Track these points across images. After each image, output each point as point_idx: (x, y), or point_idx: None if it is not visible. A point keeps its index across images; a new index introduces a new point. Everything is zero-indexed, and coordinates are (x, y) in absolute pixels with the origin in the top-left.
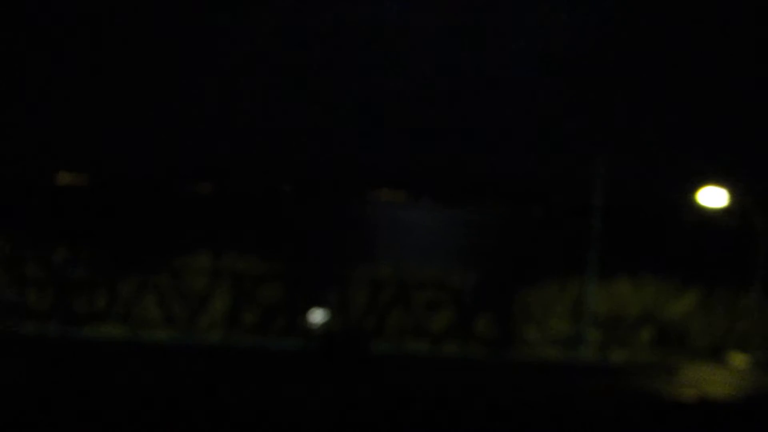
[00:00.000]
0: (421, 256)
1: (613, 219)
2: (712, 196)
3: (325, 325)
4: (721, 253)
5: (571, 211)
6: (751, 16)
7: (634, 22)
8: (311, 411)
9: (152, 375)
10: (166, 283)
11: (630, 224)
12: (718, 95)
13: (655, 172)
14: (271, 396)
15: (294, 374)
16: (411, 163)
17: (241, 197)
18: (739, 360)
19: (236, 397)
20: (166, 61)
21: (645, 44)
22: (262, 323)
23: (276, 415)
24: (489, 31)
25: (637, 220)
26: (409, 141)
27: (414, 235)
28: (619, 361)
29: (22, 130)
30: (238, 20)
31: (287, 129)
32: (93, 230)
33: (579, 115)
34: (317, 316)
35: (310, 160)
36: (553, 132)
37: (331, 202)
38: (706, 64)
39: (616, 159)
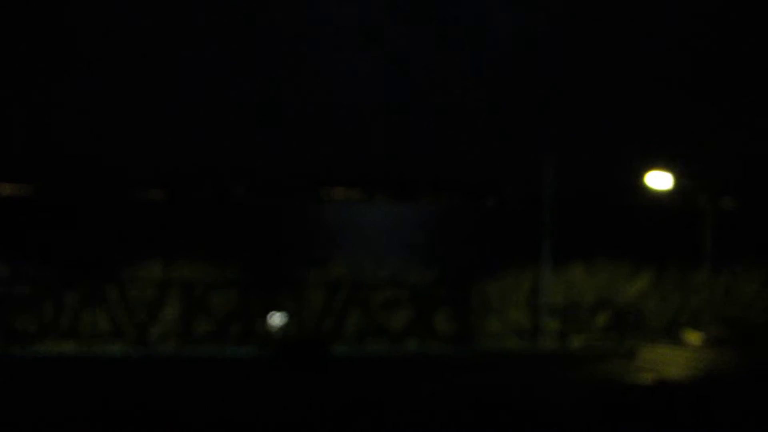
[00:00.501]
0: (376, 253)
1: (564, 207)
2: (658, 180)
3: (283, 330)
4: (670, 233)
5: (523, 202)
6: (692, 9)
7: (578, 18)
8: (270, 418)
9: (104, 391)
10: (116, 294)
11: (580, 211)
12: (659, 84)
13: (603, 159)
14: (229, 405)
15: (251, 382)
16: (363, 161)
17: (191, 203)
18: (693, 337)
19: (194, 408)
20: (113, 65)
21: (588, 37)
22: (217, 332)
23: (234, 425)
24: (435, 28)
25: (587, 206)
26: (361, 138)
27: (369, 233)
28: (578, 348)
29: None
30: (183, 25)
31: (235, 131)
32: (37, 242)
33: (525, 107)
34: (276, 320)
35: (261, 162)
36: (501, 125)
37: (283, 204)
38: (647, 54)
39: (564, 148)
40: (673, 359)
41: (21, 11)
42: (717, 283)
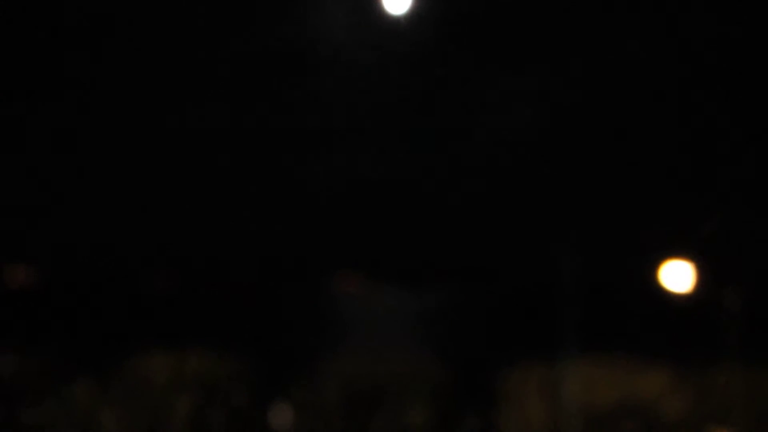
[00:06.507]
0: (392, 345)
1: (580, 296)
2: (679, 271)
3: (294, 428)
4: (692, 328)
5: (536, 289)
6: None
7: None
8: None
9: None
10: (123, 386)
11: (597, 301)
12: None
13: (619, 246)
14: None
15: None
16: (373, 247)
17: (202, 289)
18: None
19: None
20: (114, 134)
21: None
22: (230, 428)
23: None
24: (442, 109)
25: (604, 295)
26: (370, 224)
27: (383, 324)
28: None
29: None
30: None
31: (245, 215)
32: (38, 329)
33: (534, 192)
34: (285, 417)
35: (269, 247)
36: (514, 211)
37: (295, 292)
38: (667, 127)
39: (579, 234)
40: None
41: None
42: (743, 378)
